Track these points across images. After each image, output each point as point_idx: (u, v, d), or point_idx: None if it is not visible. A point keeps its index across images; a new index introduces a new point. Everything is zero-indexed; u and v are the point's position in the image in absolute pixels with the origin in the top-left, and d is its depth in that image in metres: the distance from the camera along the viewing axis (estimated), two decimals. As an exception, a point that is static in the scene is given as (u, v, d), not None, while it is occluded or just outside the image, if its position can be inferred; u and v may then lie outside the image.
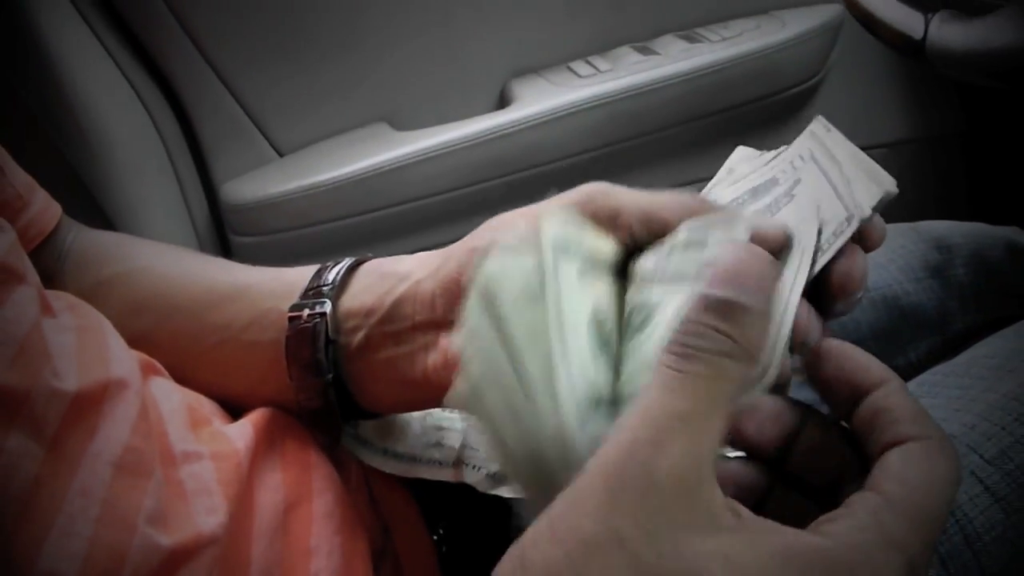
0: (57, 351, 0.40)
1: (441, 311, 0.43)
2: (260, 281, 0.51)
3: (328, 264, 0.48)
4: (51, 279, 0.54)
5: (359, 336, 0.45)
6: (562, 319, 0.33)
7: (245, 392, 0.50)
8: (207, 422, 0.47)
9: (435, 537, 0.50)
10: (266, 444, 0.46)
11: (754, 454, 0.34)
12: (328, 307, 0.46)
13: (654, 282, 0.37)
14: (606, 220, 0.40)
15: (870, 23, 0.80)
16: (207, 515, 0.40)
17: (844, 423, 0.34)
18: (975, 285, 0.75)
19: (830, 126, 0.43)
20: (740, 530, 0.28)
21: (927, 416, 0.32)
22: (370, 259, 0.49)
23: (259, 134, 1.23)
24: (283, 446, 0.47)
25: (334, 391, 0.46)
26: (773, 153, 0.46)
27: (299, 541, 0.44)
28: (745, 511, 0.29)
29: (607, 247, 0.39)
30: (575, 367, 0.32)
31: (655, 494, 0.27)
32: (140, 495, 0.38)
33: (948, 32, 0.71)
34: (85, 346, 0.42)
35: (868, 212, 0.37)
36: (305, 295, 0.47)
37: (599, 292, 0.36)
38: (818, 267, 0.37)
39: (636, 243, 0.40)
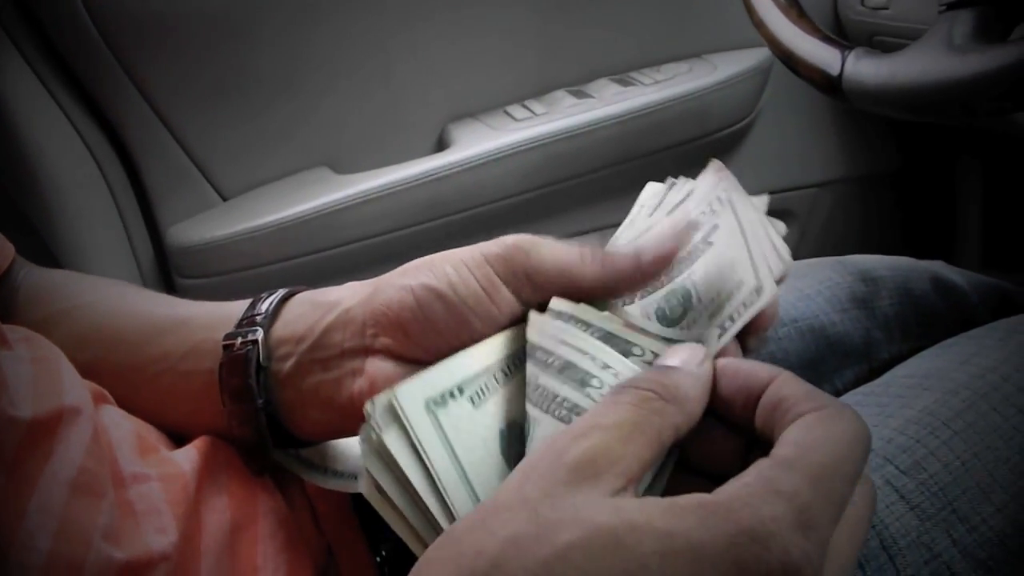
0: (13, 381, 0.41)
1: (370, 339, 0.44)
2: (198, 314, 0.52)
3: (262, 295, 0.49)
4: (3, 314, 0.56)
5: (290, 363, 0.46)
6: (445, 463, 0.35)
7: (184, 420, 0.51)
8: (154, 448, 0.47)
9: (378, 559, 0.51)
10: (211, 468, 0.47)
11: None
12: (260, 335, 0.47)
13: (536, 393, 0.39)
14: (523, 278, 0.43)
15: (790, 60, 0.83)
16: (157, 534, 0.41)
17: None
18: (900, 316, 0.76)
19: (724, 169, 0.47)
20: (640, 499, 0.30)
21: (820, 392, 0.33)
22: (303, 290, 0.50)
23: (203, 179, 1.25)
24: (228, 470, 0.48)
25: (265, 417, 0.47)
26: (684, 190, 0.48)
27: (246, 560, 0.45)
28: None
29: (505, 347, 0.41)
30: (477, 487, 0.35)
31: (563, 470, 0.30)
32: (95, 513, 0.39)
33: (862, 68, 0.74)
34: (40, 376, 0.43)
35: (775, 291, 0.40)
36: (240, 324, 0.48)
37: (511, 395, 0.39)
38: (730, 336, 0.40)
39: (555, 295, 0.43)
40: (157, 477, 0.44)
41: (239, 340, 0.47)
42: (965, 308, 0.79)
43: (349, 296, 0.46)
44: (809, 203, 1.40)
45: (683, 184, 0.49)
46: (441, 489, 0.34)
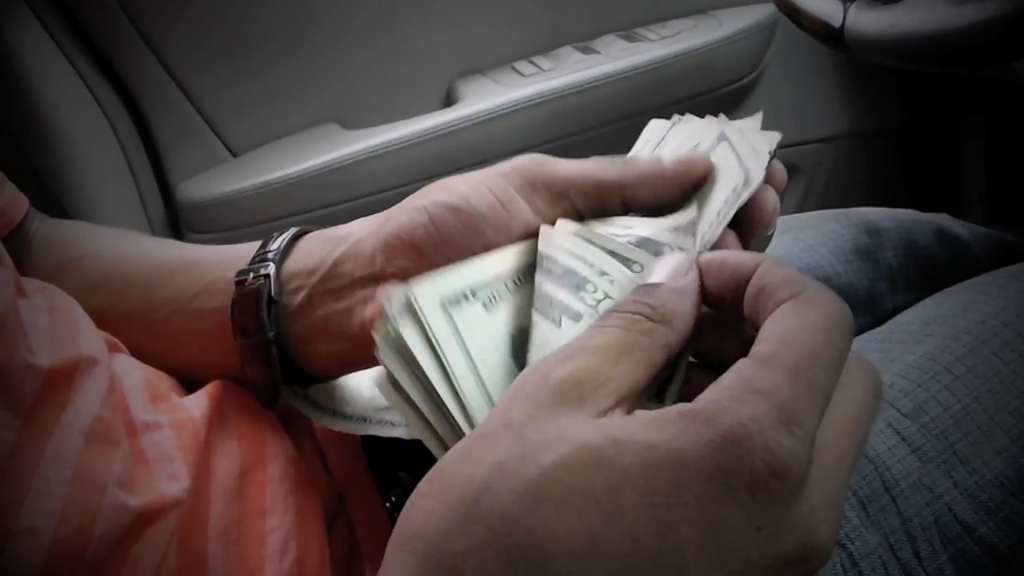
0: (31, 330, 0.41)
1: (380, 265, 0.44)
2: (209, 255, 0.52)
3: (274, 235, 0.50)
4: (17, 264, 0.56)
5: (301, 296, 0.46)
6: (460, 361, 0.35)
7: (195, 361, 0.51)
8: (165, 396, 0.48)
9: (387, 504, 0.51)
10: (221, 413, 0.48)
11: None
12: (272, 269, 0.47)
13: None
14: (543, 188, 0.43)
15: (793, 13, 0.84)
16: (169, 481, 0.42)
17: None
18: (904, 267, 0.77)
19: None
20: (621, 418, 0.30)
21: (800, 275, 0.32)
22: (314, 229, 0.50)
23: (213, 135, 1.26)
24: (237, 415, 0.49)
25: (276, 350, 0.47)
26: (685, 122, 0.50)
27: (255, 502, 0.45)
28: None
29: (518, 259, 0.41)
30: (490, 388, 0.35)
31: (547, 392, 0.29)
32: (109, 461, 0.40)
33: (863, 19, 0.75)
34: (57, 325, 0.44)
35: (761, 176, 0.42)
36: (252, 262, 0.48)
37: (520, 303, 0.38)
38: (719, 226, 0.41)
39: (576, 209, 0.43)
40: (168, 424, 0.45)
41: (251, 276, 0.47)
42: (968, 260, 0.80)
43: (359, 228, 0.47)
44: (815, 158, 1.40)
45: (687, 122, 0.50)
46: (457, 388, 0.34)
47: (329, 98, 1.28)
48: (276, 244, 0.49)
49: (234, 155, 1.27)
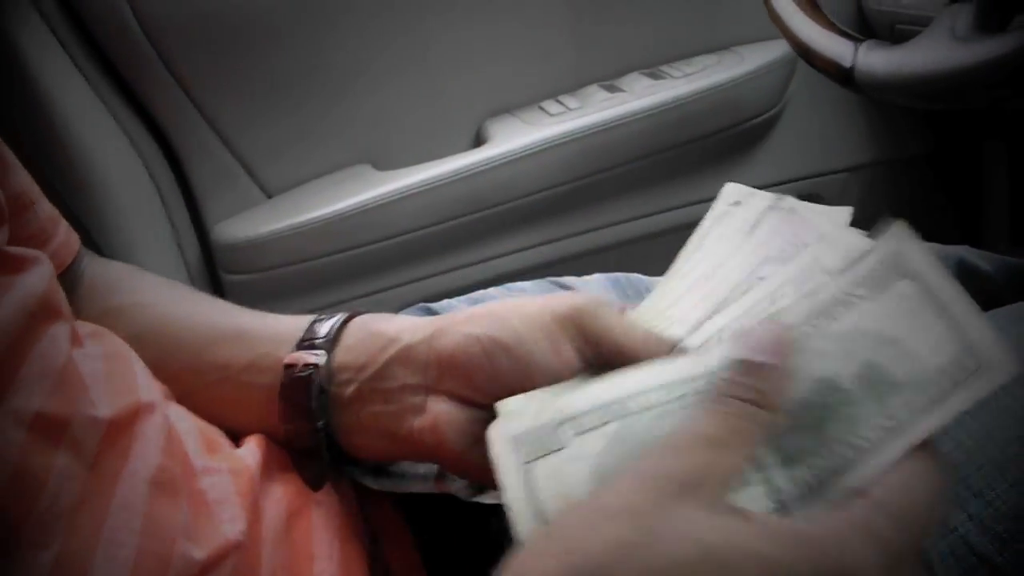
0: (91, 380, 0.42)
1: (432, 379, 0.46)
2: (257, 326, 0.53)
3: (322, 316, 0.51)
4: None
5: (351, 389, 0.48)
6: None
7: (241, 427, 0.52)
8: (219, 444, 0.49)
9: (421, 550, 0.53)
10: (270, 461, 0.49)
11: None
12: (324, 359, 0.48)
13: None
14: (593, 343, 0.45)
15: (806, 53, 0.86)
16: (230, 523, 0.43)
17: None
18: None
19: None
20: (741, 517, 0.32)
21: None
22: (360, 314, 0.51)
23: (248, 177, 1.27)
24: (283, 465, 0.50)
25: (323, 437, 0.49)
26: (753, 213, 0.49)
27: (302, 547, 0.47)
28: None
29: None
30: None
31: (667, 483, 0.32)
32: (175, 510, 0.41)
33: (873, 59, 0.77)
34: (113, 373, 0.45)
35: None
36: (300, 345, 0.50)
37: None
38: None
39: (616, 364, 0.44)
40: (227, 471, 0.46)
41: (302, 361, 0.49)
42: (991, 292, 0.79)
43: (409, 331, 0.48)
44: (839, 188, 1.41)
45: (751, 201, 0.49)
46: None
47: (361, 139, 1.30)
48: (326, 329, 0.50)
49: (269, 196, 1.29)
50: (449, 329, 0.47)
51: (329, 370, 0.48)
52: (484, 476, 0.45)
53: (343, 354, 0.49)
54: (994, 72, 0.65)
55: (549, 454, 0.38)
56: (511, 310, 0.46)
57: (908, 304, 0.37)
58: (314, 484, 0.51)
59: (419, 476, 0.51)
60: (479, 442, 0.43)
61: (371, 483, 0.52)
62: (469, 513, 0.52)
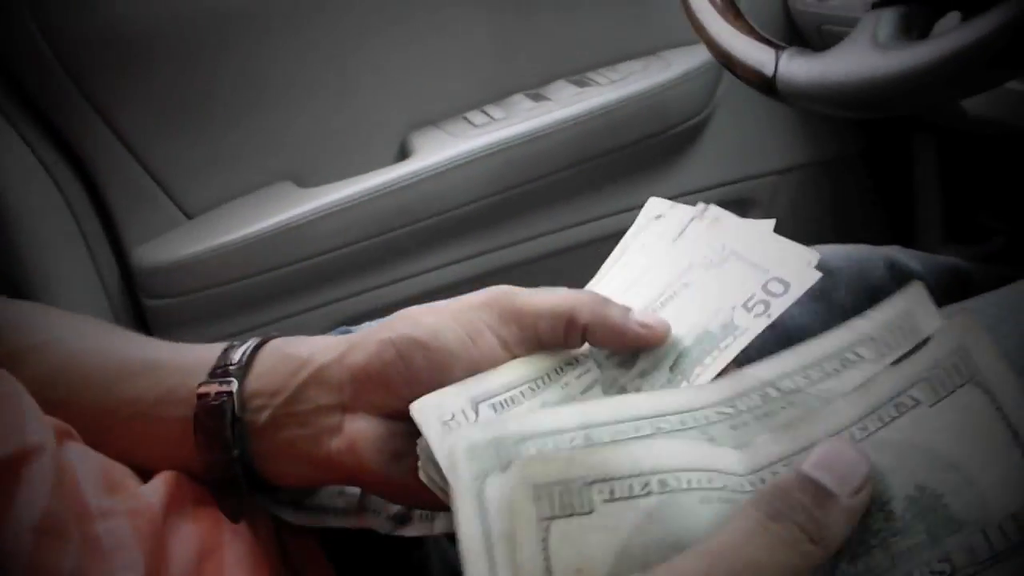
0: None
1: (348, 396, 0.45)
2: (169, 357, 0.52)
3: (234, 344, 0.50)
4: None
5: (264, 415, 0.47)
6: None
7: (155, 462, 0.51)
8: (120, 483, 0.48)
9: None
10: (178, 500, 0.48)
11: None
12: (235, 386, 0.47)
13: None
14: (512, 322, 0.45)
15: (728, 62, 0.84)
16: (124, 571, 0.41)
17: None
18: (857, 306, 0.75)
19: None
20: None
21: None
22: (274, 338, 0.50)
23: (166, 198, 1.25)
24: (194, 501, 0.49)
25: (240, 466, 0.47)
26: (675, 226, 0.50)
27: None
28: None
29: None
30: None
31: None
32: (61, 557, 0.39)
33: (794, 68, 0.75)
34: (1, 414, 0.43)
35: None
36: (213, 373, 0.48)
37: None
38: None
39: (540, 340, 0.45)
40: (125, 512, 0.44)
41: (214, 390, 0.47)
42: None
43: (321, 352, 0.47)
44: (770, 191, 1.41)
45: (674, 213, 0.51)
46: None
47: (283, 156, 1.28)
48: (237, 356, 0.49)
49: (189, 217, 1.26)
50: (362, 343, 0.46)
51: (242, 397, 0.47)
52: (406, 495, 0.46)
53: (256, 380, 0.48)
54: (917, 80, 0.64)
55: (573, 515, 0.34)
56: (424, 310, 0.46)
57: (974, 420, 0.31)
58: (233, 516, 0.49)
59: (339, 510, 0.50)
60: (400, 457, 0.44)
61: (290, 517, 0.51)
62: (391, 546, 0.52)
